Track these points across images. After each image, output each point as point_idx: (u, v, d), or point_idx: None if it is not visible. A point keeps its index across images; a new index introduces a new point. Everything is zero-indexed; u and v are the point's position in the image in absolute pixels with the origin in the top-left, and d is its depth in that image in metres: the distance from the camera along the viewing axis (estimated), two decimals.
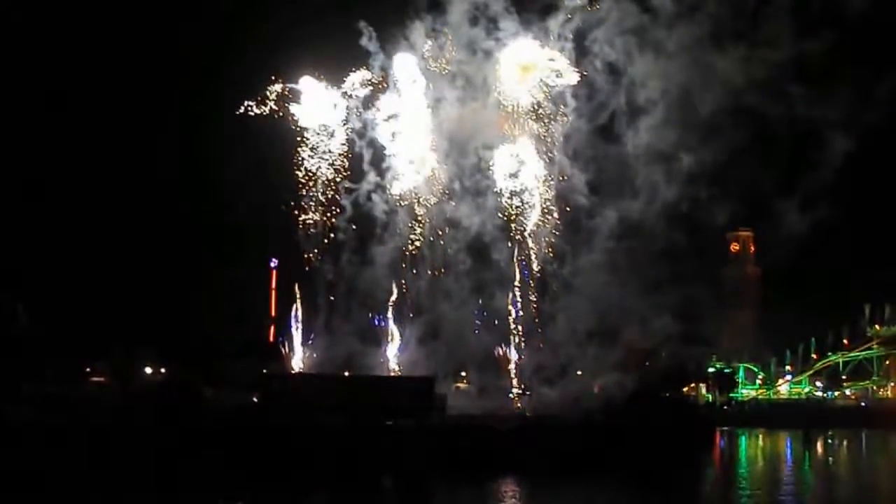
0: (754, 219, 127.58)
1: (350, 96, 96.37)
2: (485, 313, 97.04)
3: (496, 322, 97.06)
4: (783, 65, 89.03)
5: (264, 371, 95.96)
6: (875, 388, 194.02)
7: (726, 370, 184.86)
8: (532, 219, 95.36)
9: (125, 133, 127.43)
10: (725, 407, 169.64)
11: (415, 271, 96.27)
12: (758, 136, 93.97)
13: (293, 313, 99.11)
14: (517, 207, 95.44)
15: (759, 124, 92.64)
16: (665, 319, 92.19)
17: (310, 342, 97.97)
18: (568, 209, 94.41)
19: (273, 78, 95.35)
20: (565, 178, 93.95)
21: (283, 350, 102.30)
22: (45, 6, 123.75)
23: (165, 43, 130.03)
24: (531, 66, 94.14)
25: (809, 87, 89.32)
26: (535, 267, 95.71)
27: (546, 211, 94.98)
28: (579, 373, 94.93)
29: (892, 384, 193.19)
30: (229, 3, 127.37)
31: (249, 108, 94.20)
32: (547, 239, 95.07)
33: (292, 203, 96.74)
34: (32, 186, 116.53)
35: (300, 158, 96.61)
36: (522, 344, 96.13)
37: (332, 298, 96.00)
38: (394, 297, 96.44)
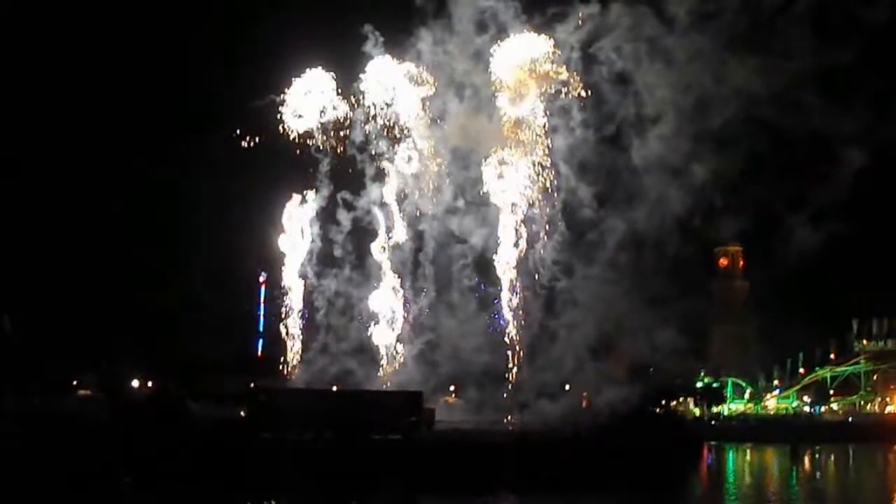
0: (748, 232, 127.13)
1: (354, 105, 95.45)
2: (497, 333, 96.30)
3: (493, 332, 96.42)
4: (798, 75, 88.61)
5: (251, 385, 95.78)
6: (862, 402, 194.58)
7: (714, 384, 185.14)
8: (536, 232, 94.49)
9: (114, 143, 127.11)
10: (713, 421, 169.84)
11: (416, 291, 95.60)
12: (758, 148, 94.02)
13: (284, 327, 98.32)
14: (521, 221, 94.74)
15: (760, 136, 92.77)
16: (668, 333, 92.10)
17: (300, 357, 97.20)
18: (568, 229, 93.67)
19: (273, 96, 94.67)
20: (568, 196, 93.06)
21: (271, 365, 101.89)
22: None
23: (159, 49, 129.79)
24: (537, 74, 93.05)
25: (821, 99, 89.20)
26: (538, 280, 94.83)
27: (550, 223, 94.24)
28: (567, 387, 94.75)
29: (880, 399, 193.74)
30: (225, 8, 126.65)
31: (243, 137, 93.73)
32: (551, 252, 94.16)
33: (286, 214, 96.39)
34: (19, 194, 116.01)
35: (297, 170, 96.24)
36: (522, 357, 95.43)
37: (325, 313, 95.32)
38: (392, 312, 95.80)
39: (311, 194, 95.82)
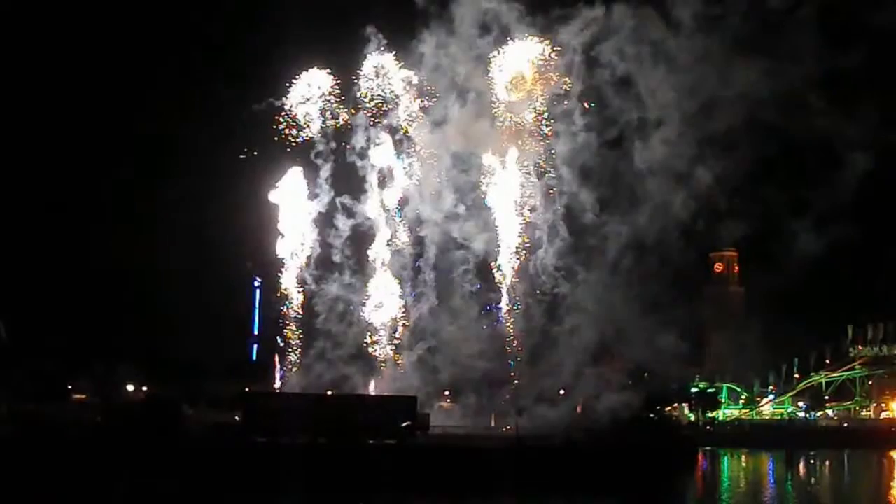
0: (745, 237, 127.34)
1: (354, 110, 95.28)
2: (496, 336, 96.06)
3: (492, 330, 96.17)
4: (804, 79, 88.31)
5: (246, 390, 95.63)
6: (857, 408, 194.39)
7: (709, 390, 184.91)
8: (538, 237, 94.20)
9: (113, 146, 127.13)
10: (708, 427, 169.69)
11: (417, 296, 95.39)
12: (761, 152, 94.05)
13: (280, 332, 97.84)
14: (522, 226, 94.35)
15: (764, 140, 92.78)
16: (665, 339, 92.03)
17: (297, 362, 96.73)
18: (570, 234, 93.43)
19: (272, 99, 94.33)
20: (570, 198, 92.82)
21: (266, 369, 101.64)
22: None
23: (158, 52, 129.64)
24: (539, 78, 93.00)
25: (827, 103, 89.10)
26: (540, 290, 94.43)
27: (552, 228, 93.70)
28: (562, 392, 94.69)
29: (875, 405, 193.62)
30: (224, 9, 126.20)
31: (242, 141, 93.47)
32: (552, 258, 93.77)
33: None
34: (13, 200, 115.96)
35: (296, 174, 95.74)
36: (522, 363, 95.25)
37: (323, 318, 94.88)
38: (392, 318, 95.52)
39: (310, 199, 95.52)
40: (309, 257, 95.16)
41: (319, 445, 75.78)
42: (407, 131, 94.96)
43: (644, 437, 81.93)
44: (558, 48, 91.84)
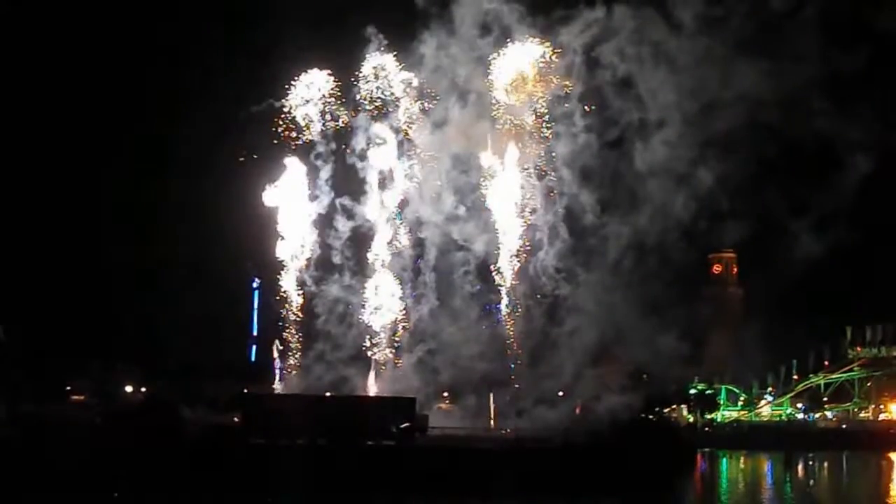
0: (745, 238, 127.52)
1: (355, 111, 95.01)
2: (496, 336, 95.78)
3: (491, 329, 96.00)
4: (806, 80, 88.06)
5: (245, 391, 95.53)
6: (856, 409, 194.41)
7: (708, 391, 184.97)
8: (539, 238, 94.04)
9: (113, 148, 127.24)
10: (707, 428, 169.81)
11: (417, 298, 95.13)
12: (762, 154, 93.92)
13: (279, 333, 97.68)
14: (523, 228, 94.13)
15: (765, 141, 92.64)
16: (665, 340, 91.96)
17: (296, 363, 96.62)
18: (570, 235, 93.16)
19: (272, 100, 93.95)
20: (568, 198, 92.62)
21: (265, 371, 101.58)
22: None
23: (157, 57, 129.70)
24: (540, 80, 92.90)
25: (829, 105, 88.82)
26: (541, 292, 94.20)
27: (552, 229, 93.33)
28: (561, 394, 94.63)
29: (873, 406, 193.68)
30: (225, 9, 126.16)
31: (244, 154, 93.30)
32: (552, 259, 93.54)
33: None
34: (13, 200, 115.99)
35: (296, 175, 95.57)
36: (522, 364, 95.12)
37: (324, 320, 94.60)
38: (391, 320, 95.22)
39: (310, 200, 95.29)
40: (309, 259, 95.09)
41: (318, 447, 75.74)
42: (407, 133, 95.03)
43: (643, 439, 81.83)
44: (559, 49, 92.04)
